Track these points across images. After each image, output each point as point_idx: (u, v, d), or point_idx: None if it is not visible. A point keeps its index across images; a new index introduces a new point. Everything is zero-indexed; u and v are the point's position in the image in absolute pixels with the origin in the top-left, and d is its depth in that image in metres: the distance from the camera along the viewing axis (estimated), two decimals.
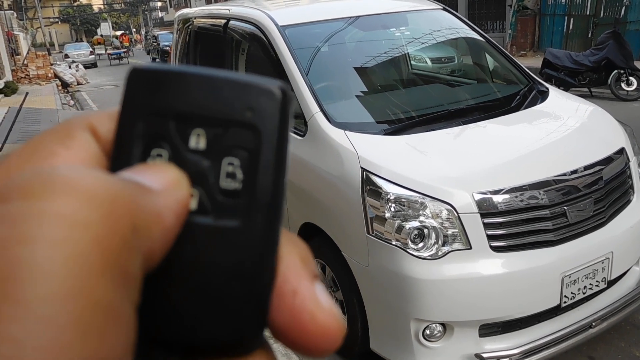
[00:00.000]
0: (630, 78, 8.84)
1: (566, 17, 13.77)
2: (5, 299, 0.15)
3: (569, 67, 9.30)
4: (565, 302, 2.42)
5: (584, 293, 2.48)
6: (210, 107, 0.22)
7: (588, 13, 13.24)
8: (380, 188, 2.38)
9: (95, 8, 63.67)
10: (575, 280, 2.42)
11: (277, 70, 3.16)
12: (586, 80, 9.27)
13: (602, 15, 12.84)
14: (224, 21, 4.05)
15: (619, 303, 2.60)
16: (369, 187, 2.42)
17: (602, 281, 2.52)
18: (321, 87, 3.08)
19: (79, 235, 0.17)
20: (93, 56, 30.19)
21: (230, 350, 0.22)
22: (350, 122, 2.82)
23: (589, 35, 12.94)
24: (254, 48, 3.75)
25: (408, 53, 3.71)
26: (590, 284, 2.49)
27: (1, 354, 0.15)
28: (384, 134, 2.73)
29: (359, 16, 3.49)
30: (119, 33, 44.67)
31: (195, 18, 4.95)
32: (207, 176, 0.23)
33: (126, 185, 0.20)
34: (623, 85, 8.89)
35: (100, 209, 0.18)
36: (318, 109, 2.82)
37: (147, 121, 0.23)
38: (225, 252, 0.22)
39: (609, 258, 2.50)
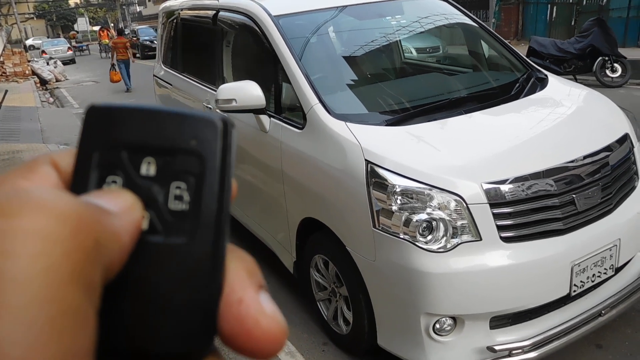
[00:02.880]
0: (615, 65, 8.90)
1: (549, 5, 13.84)
2: None
3: (555, 54, 9.34)
4: (574, 291, 2.39)
5: (592, 281, 2.45)
6: (159, 138, 0.25)
7: (571, 1, 13.31)
8: (386, 180, 2.32)
9: (72, 3, 62.47)
10: (584, 268, 2.39)
11: (272, 61, 3.07)
12: (571, 67, 9.31)
13: (585, 2, 12.93)
14: (212, 12, 3.95)
15: (627, 290, 2.58)
16: (374, 179, 2.35)
17: (610, 268, 2.50)
18: (318, 78, 3.00)
19: (52, 250, 0.19)
20: (71, 52, 29.64)
21: (181, 358, 0.24)
22: (350, 114, 2.75)
23: (572, 23, 13.02)
24: (246, 39, 3.65)
25: (404, 42, 3.65)
26: (599, 272, 2.46)
27: None
28: (386, 125, 2.67)
29: (353, 4, 3.41)
30: (96, 28, 45.08)
31: (181, 10, 4.82)
32: (157, 199, 0.25)
33: (89, 207, 0.22)
34: (608, 72, 8.95)
35: (69, 226, 0.20)
36: (317, 101, 2.75)
37: (103, 152, 0.25)
38: (174, 267, 0.24)
39: (616, 245, 2.48)
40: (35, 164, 0.25)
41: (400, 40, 3.62)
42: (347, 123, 2.61)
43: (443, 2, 3.63)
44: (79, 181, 0.25)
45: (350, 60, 3.34)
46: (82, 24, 49.27)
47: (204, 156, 0.25)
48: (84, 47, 37.38)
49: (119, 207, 0.23)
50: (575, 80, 9.35)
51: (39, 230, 0.20)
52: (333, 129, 2.62)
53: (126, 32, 26.57)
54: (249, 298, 0.24)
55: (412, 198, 2.28)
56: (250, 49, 3.62)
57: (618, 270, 2.58)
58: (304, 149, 2.78)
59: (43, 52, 28.36)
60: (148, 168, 0.25)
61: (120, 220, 0.23)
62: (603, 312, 2.48)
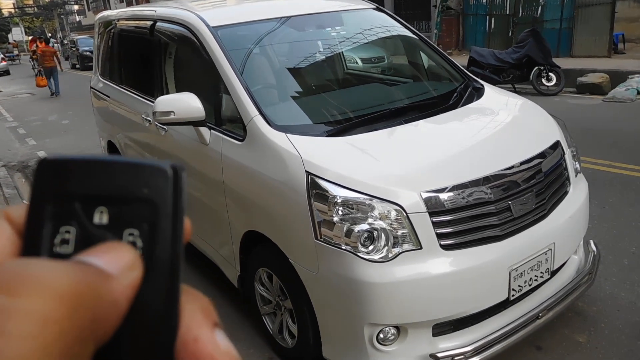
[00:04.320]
0: (550, 74, 9.30)
1: (487, 17, 14.34)
2: None
3: (493, 64, 9.67)
4: (513, 295, 2.45)
5: (530, 285, 2.51)
6: (111, 188, 0.26)
7: (508, 13, 13.84)
8: (327, 191, 2.31)
9: (5, 12, 59.89)
10: (521, 273, 2.45)
11: (211, 73, 3.02)
12: (510, 77, 9.67)
13: (520, 14, 13.47)
14: (150, 23, 3.85)
15: (562, 292, 2.67)
16: (315, 190, 2.34)
17: (546, 272, 2.57)
18: (258, 90, 2.97)
19: (46, 331, 0.20)
20: (5, 63, 28.36)
21: None
22: (291, 125, 2.73)
23: (510, 34, 13.53)
24: (184, 50, 3.58)
25: (344, 53, 3.67)
26: (536, 276, 2.53)
27: None
28: (327, 136, 2.66)
29: (293, 16, 3.41)
30: (29, 38, 44.46)
31: (118, 20, 4.69)
32: None
33: (89, 276, 0.22)
34: (544, 80, 9.34)
35: (65, 307, 0.20)
36: (257, 112, 2.71)
37: (55, 203, 0.26)
38: (132, 310, 0.25)
39: (551, 249, 2.55)
40: None
41: (341, 52, 3.63)
42: (287, 134, 2.59)
43: (381, 14, 3.68)
44: (33, 232, 0.26)
45: (291, 71, 3.33)
46: (17, 34, 47.38)
47: (156, 203, 0.26)
48: (14, 57, 38.90)
49: (119, 268, 0.24)
50: (514, 88, 9.71)
51: (36, 311, 0.20)
52: (273, 140, 2.59)
53: (53, 42, 26.58)
54: (204, 336, 0.26)
55: (353, 208, 2.27)
56: (189, 61, 3.55)
57: (554, 273, 2.66)
58: (244, 161, 2.73)
59: None
60: (101, 217, 0.26)
61: (120, 285, 0.23)
62: (540, 314, 2.55)
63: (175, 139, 3.44)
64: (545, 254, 2.54)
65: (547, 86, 9.31)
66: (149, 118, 3.69)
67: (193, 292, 0.27)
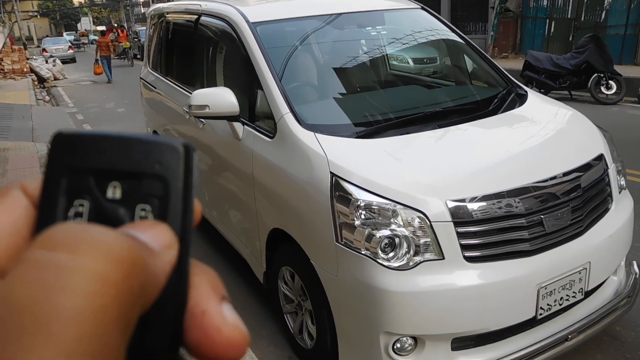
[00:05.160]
0: (610, 82, 8.87)
1: (547, 20, 13.82)
2: (45, 334, 0.19)
3: (550, 69, 9.31)
4: (541, 314, 2.33)
5: (560, 304, 2.39)
6: (124, 163, 0.26)
7: (569, 16, 13.30)
8: (350, 194, 2.26)
9: (76, 2, 62.57)
10: (551, 291, 2.33)
11: (247, 68, 3.02)
12: (566, 83, 9.28)
13: (582, 18, 12.91)
14: (195, 17, 3.91)
15: (596, 314, 2.52)
16: (339, 193, 2.30)
17: (579, 292, 2.44)
18: (293, 87, 2.96)
19: (106, 291, 0.21)
20: (72, 51, 29.62)
21: None
22: (321, 124, 2.70)
23: (570, 39, 13.00)
24: (224, 45, 3.61)
25: (384, 53, 3.60)
26: (567, 295, 2.40)
27: None
28: (356, 137, 2.61)
29: (334, 14, 3.37)
30: (99, 28, 47.07)
31: (167, 13, 4.79)
32: (123, 221, 0.26)
33: (139, 248, 0.23)
34: (603, 88, 8.92)
35: (122, 270, 0.22)
36: (288, 110, 2.70)
37: (69, 177, 0.26)
38: None
39: (586, 268, 2.42)
40: (6, 189, 0.27)
41: (380, 51, 3.57)
42: (316, 134, 2.56)
43: (426, 14, 3.59)
44: (47, 205, 0.26)
45: (327, 70, 3.30)
46: (85, 23, 49.44)
47: (167, 180, 0.26)
48: (80, 45, 42.88)
49: (160, 245, 0.25)
50: (571, 95, 9.33)
51: (96, 270, 0.21)
52: (301, 139, 2.57)
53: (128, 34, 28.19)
54: (212, 309, 0.26)
55: (375, 213, 2.22)
56: (228, 55, 3.58)
57: (588, 294, 2.52)
58: (273, 159, 2.73)
59: (44, 50, 28.35)
60: (114, 192, 0.26)
61: (161, 262, 0.24)
62: (570, 336, 2.42)
63: (212, 133, 3.48)
64: (579, 273, 2.40)
65: (606, 95, 8.88)
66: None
67: (201, 266, 0.28)
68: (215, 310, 0.26)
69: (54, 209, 0.26)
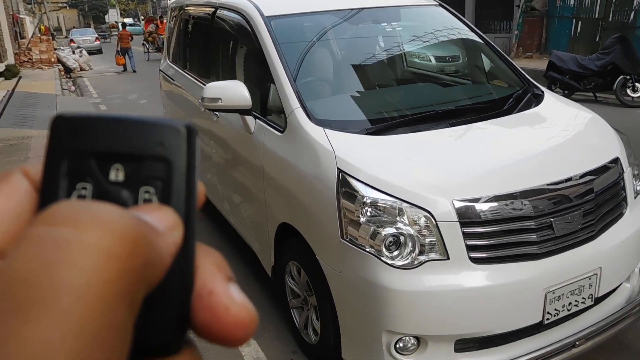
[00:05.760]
0: (637, 84, 8.67)
1: (574, 20, 13.55)
2: (49, 309, 0.19)
3: (575, 70, 9.13)
4: (547, 319, 2.29)
5: (568, 310, 2.34)
6: (126, 145, 0.26)
7: (596, 16, 13.02)
8: (356, 191, 2.25)
9: None
10: (559, 296, 2.28)
11: (260, 62, 3.02)
12: (591, 84, 9.10)
13: (610, 19, 12.62)
14: (212, 10, 3.92)
15: (606, 321, 2.46)
16: (345, 189, 2.28)
17: (588, 298, 2.38)
18: (305, 82, 2.95)
19: (110, 266, 0.21)
20: (98, 43, 30.03)
21: (157, 352, 0.25)
22: (331, 120, 2.68)
23: (597, 39, 12.72)
24: (239, 38, 3.61)
25: (399, 50, 3.57)
26: (576, 301, 2.35)
27: (37, 350, 0.18)
28: (366, 134, 2.59)
29: (350, 9, 3.35)
30: (128, 20, 48.63)
31: (187, 6, 4.81)
32: (126, 204, 0.26)
33: (144, 227, 0.23)
34: (629, 91, 8.72)
35: (127, 246, 0.22)
36: (298, 105, 2.69)
37: (71, 160, 0.26)
38: None
39: (597, 274, 2.36)
40: (8, 173, 0.27)
41: (394, 48, 3.53)
42: (325, 129, 2.55)
43: (443, 11, 3.54)
44: (49, 188, 0.26)
45: (340, 65, 3.28)
46: (112, 15, 50.14)
47: (170, 161, 0.26)
48: (107, 36, 43.67)
49: (165, 226, 0.25)
50: (595, 97, 9.15)
51: (101, 245, 0.21)
52: (310, 134, 2.56)
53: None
54: (218, 289, 0.26)
55: (380, 211, 2.20)
56: (243, 49, 3.58)
57: (599, 300, 2.46)
58: (282, 153, 2.72)
59: (71, 41, 28.80)
60: (117, 174, 0.26)
61: (165, 242, 0.24)
62: (577, 343, 2.36)
63: (225, 126, 3.49)
64: (589, 279, 2.35)
65: (632, 97, 8.68)
66: None
67: (206, 247, 0.28)
68: (222, 290, 0.26)
69: (56, 192, 0.26)
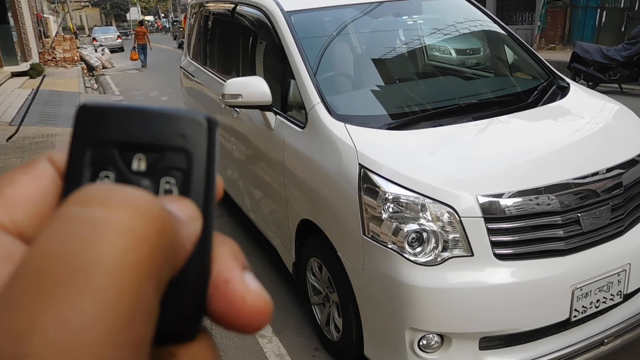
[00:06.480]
0: None
1: (599, 10, 13.25)
2: (87, 286, 0.20)
3: (599, 61, 8.94)
4: (575, 317, 2.24)
5: (596, 307, 2.29)
6: (149, 136, 0.27)
7: (622, 6, 12.71)
8: (378, 187, 2.22)
9: None
10: (587, 293, 2.23)
11: (281, 57, 3.01)
12: (617, 75, 8.90)
13: (636, 8, 12.30)
14: (232, 6, 3.92)
15: (635, 319, 2.41)
16: (367, 185, 2.26)
17: (617, 295, 2.33)
18: (325, 77, 2.93)
19: (140, 246, 0.21)
20: (120, 41, 30.38)
21: (174, 338, 0.25)
22: (352, 115, 2.66)
23: (622, 29, 12.43)
24: (259, 34, 3.60)
25: (420, 43, 3.52)
26: (604, 298, 2.30)
27: (74, 326, 0.19)
28: (387, 129, 2.56)
29: (370, 2, 3.31)
30: (149, 18, 50.08)
31: (207, 2, 4.82)
32: None
33: (169, 213, 0.24)
34: None
35: (155, 228, 0.22)
36: (319, 100, 2.67)
37: (95, 149, 0.26)
38: None
39: (626, 270, 2.31)
40: (35, 160, 0.28)
41: (416, 41, 3.48)
42: (346, 125, 2.53)
43: (465, 3, 3.48)
44: (73, 175, 0.26)
45: (361, 60, 3.24)
46: (134, 13, 50.59)
47: (191, 153, 0.27)
48: (128, 33, 44.63)
49: (187, 216, 0.25)
50: (621, 89, 8.94)
51: (132, 226, 0.21)
52: (331, 129, 2.54)
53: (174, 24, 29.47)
54: (235, 278, 0.26)
55: (403, 207, 2.18)
56: (263, 44, 3.57)
57: (628, 297, 2.40)
58: (303, 149, 2.71)
59: (94, 39, 29.18)
60: (139, 164, 0.26)
61: (187, 230, 0.25)
62: (606, 340, 2.31)
63: (246, 122, 3.49)
64: (618, 275, 2.29)
65: None
66: None
67: (222, 236, 0.28)
68: (238, 279, 0.26)
69: (79, 179, 0.26)
